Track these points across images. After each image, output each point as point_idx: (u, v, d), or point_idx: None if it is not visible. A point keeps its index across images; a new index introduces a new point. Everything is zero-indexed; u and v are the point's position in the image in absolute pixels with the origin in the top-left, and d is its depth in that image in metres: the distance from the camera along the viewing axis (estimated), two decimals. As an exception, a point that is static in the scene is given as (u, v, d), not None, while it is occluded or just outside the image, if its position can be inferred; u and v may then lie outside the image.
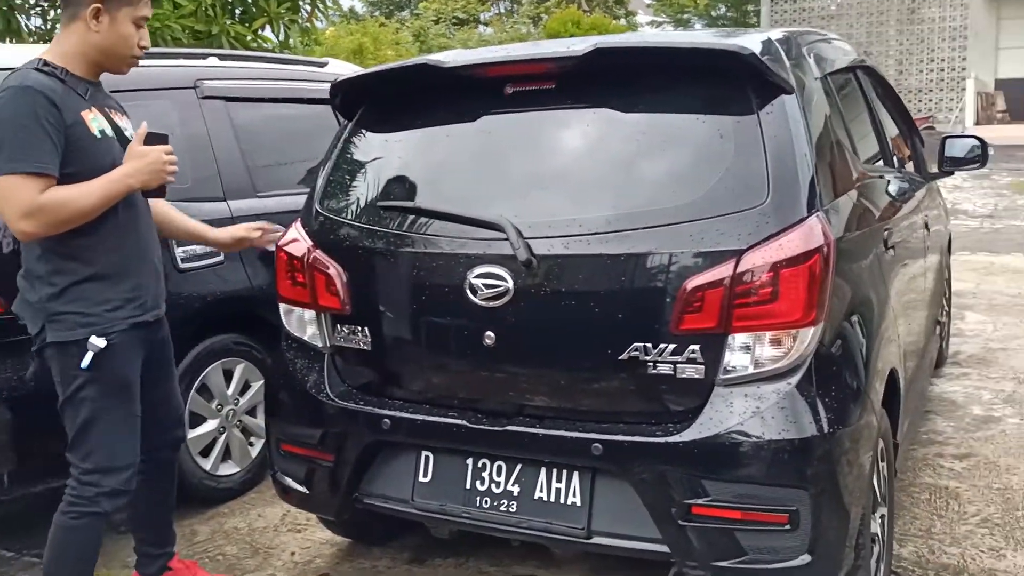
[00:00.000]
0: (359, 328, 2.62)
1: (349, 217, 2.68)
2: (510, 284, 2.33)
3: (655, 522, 2.25)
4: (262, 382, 3.93)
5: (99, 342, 2.46)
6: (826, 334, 2.20)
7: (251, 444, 3.94)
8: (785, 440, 2.14)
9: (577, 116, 2.48)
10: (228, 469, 3.81)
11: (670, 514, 2.22)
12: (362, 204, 2.70)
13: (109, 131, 2.55)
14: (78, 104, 2.46)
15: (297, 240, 2.76)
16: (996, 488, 3.47)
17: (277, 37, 8.91)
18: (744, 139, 2.26)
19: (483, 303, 2.36)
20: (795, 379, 2.17)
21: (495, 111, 2.57)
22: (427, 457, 2.56)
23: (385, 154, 2.75)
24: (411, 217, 2.54)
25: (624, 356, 2.25)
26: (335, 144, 2.85)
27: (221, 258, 3.70)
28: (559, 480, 2.39)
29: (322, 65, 4.88)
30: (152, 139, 2.53)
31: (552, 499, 2.39)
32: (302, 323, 2.77)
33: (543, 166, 2.48)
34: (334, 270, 2.64)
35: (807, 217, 2.20)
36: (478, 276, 2.36)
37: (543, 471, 2.41)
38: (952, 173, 4.41)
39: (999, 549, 3.02)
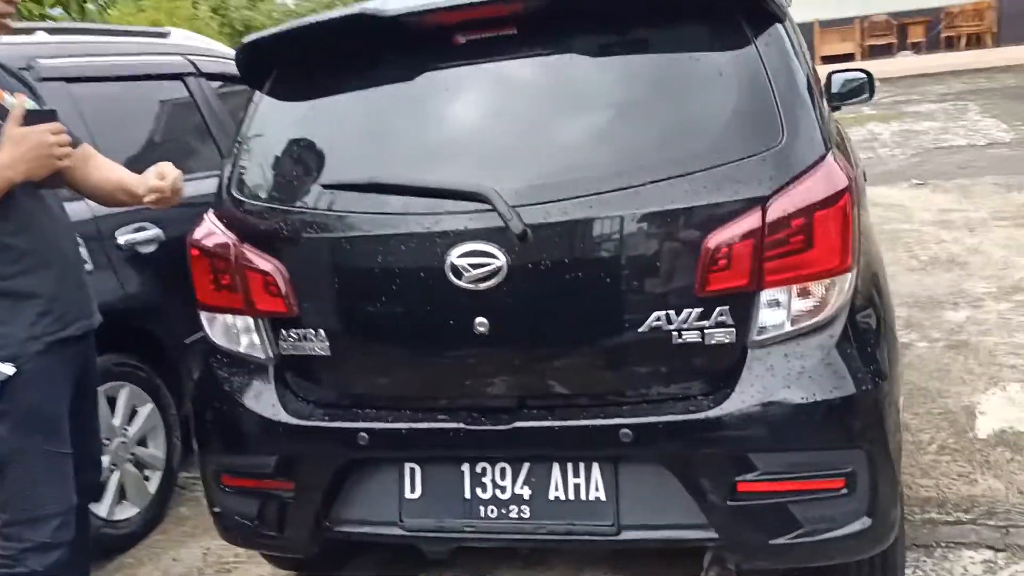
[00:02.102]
0: (312, 332, 2.22)
1: (284, 202, 2.26)
2: (502, 261, 2.01)
3: (699, 506, 2.03)
4: (152, 406, 3.41)
5: (5, 369, 2.02)
6: (858, 280, 2.04)
7: (147, 479, 3.41)
8: (836, 398, 1.96)
9: (548, 64, 2.17)
10: (126, 511, 3.28)
11: (716, 495, 2.00)
12: (298, 185, 2.28)
13: None
14: None
15: (215, 234, 2.32)
16: (938, 413, 3.51)
17: (71, 16, 7.98)
18: (746, 75, 2.04)
19: (470, 286, 2.04)
20: (836, 331, 2.00)
21: (448, 65, 2.21)
22: (412, 470, 2.22)
23: (317, 125, 2.33)
24: (366, 196, 2.16)
25: (644, 328, 2.00)
26: (247, 117, 2.40)
27: (89, 266, 3.14)
28: (576, 475, 2.12)
29: (164, 35, 4.29)
30: (34, 118, 2.05)
31: (571, 497, 2.12)
32: (233, 333, 2.34)
33: (518, 124, 2.16)
34: (272, 266, 2.22)
35: (825, 155, 2.02)
36: (462, 256, 2.03)
37: (556, 468, 2.13)
38: (839, 108, 4.42)
39: (968, 474, 3.03)
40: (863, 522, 1.99)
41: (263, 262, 2.23)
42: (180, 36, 4.37)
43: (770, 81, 2.02)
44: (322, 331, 2.21)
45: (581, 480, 2.11)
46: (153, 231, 3.44)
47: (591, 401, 2.09)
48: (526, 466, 2.15)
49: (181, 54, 4.10)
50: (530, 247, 2.01)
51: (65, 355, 2.18)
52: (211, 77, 4.18)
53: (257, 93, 2.42)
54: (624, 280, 2.01)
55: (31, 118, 2.05)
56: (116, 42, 3.88)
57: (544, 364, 2.10)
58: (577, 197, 2.00)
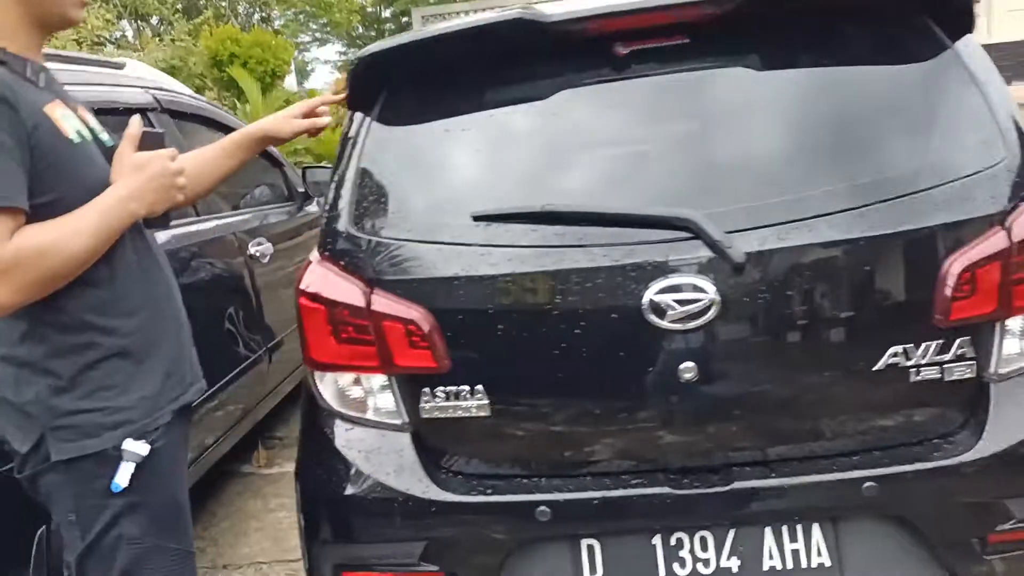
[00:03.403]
0: (468, 389, 1.86)
1: (426, 238, 1.90)
2: (713, 295, 1.75)
3: (939, 564, 1.81)
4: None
5: (139, 448, 1.60)
6: None
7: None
8: None
9: (734, 76, 1.93)
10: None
11: (964, 551, 1.79)
12: (442, 218, 1.92)
13: (86, 133, 1.64)
14: (36, 96, 1.54)
15: (336, 280, 1.93)
16: None
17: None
18: (954, 86, 1.88)
19: (675, 326, 1.76)
20: None
21: (611, 78, 1.94)
22: (591, 547, 1.88)
23: (455, 148, 1.99)
24: (534, 227, 1.84)
25: (880, 366, 1.78)
26: (357, 142, 2.04)
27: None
28: (794, 539, 1.85)
29: (120, 67, 3.77)
30: (149, 140, 1.65)
31: (790, 566, 1.84)
32: (358, 396, 1.95)
33: (708, 143, 1.91)
34: (418, 314, 1.86)
35: (1045, 170, 1.88)
36: (662, 292, 1.75)
37: (768, 532, 1.86)
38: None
39: None
40: (1118, 561, 1.83)
41: (405, 309, 1.87)
42: (137, 68, 3.87)
43: (981, 92, 1.88)
44: (480, 387, 1.86)
45: (800, 544, 1.85)
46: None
47: (819, 453, 1.84)
48: (732, 533, 1.86)
49: (143, 87, 3.62)
50: (744, 279, 1.76)
51: (184, 427, 1.75)
52: (172, 114, 3.72)
53: (360, 115, 2.06)
54: (855, 312, 1.78)
55: (146, 141, 1.64)
56: (76, 71, 3.35)
57: (762, 413, 1.83)
58: (795, 220, 1.77)
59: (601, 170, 1.92)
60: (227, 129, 4.16)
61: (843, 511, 1.82)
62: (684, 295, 1.75)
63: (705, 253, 1.75)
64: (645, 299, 1.76)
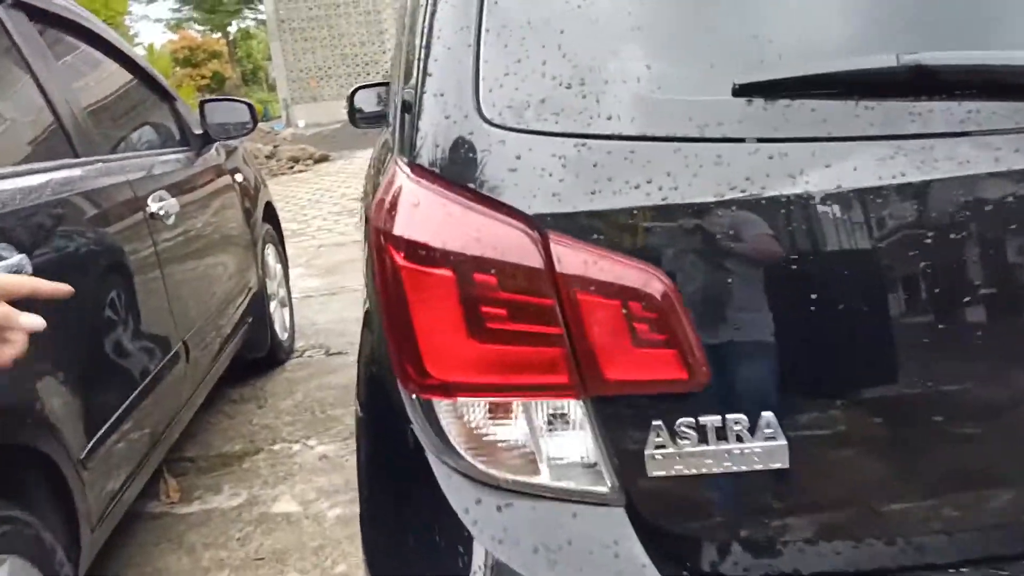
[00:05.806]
0: (748, 422, 0.97)
1: (639, 130, 0.97)
2: None
3: None
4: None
5: None
6: None
7: None
8: None
9: None
10: None
11: None
12: (671, 90, 0.99)
13: None
14: None
15: (466, 215, 0.98)
16: None
17: None
18: None
19: None
20: None
21: None
22: None
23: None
24: (871, 104, 0.95)
25: None
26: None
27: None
28: None
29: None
30: None
31: None
32: (518, 440, 1.01)
33: None
34: (645, 278, 0.94)
35: None
36: None
37: None
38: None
39: None
40: None
41: (621, 270, 0.94)
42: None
43: None
44: (769, 415, 0.97)
45: None
46: (12, 259, 1.85)
47: None
48: None
49: (-18, -33, 2.46)
50: None
51: None
52: (30, 12, 2.58)
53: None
54: None
55: None
56: None
57: None
58: None
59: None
60: (107, 46, 3.03)
61: None
62: None
63: None
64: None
